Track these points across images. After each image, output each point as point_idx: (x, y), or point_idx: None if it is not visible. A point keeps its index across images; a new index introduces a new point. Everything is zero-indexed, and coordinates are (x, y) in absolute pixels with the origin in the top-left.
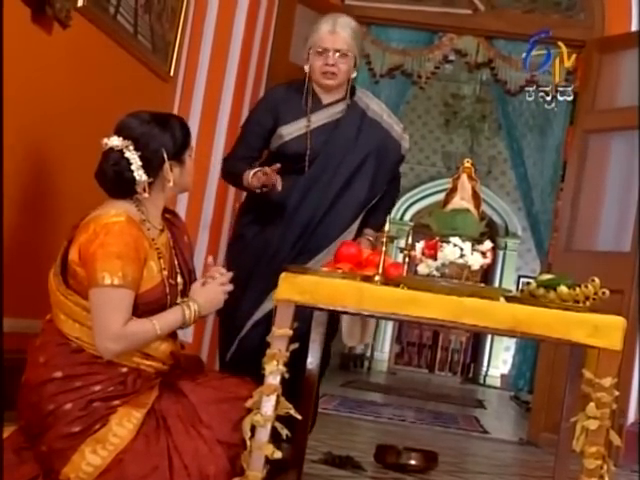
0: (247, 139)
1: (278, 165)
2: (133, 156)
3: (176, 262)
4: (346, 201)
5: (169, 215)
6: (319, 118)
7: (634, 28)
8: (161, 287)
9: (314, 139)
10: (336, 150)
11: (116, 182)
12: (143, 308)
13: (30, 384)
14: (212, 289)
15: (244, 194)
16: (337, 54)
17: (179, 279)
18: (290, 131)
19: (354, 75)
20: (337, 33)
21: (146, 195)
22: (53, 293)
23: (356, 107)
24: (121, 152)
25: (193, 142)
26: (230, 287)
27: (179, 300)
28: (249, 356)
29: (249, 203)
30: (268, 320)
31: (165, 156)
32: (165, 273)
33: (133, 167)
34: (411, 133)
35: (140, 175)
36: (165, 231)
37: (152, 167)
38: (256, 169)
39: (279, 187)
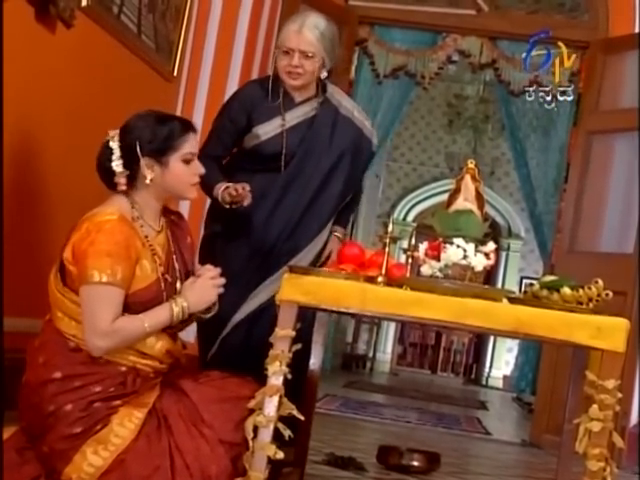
0: (220, 137)
1: (248, 187)
2: (115, 146)
3: (175, 263)
4: (324, 200)
5: (174, 216)
6: (293, 117)
7: (638, 29)
8: (156, 286)
9: (290, 139)
10: (312, 149)
11: (100, 172)
12: (138, 307)
13: (30, 385)
14: (202, 285)
15: None
16: (302, 55)
17: (177, 280)
18: (266, 130)
19: (324, 75)
20: (302, 34)
21: (123, 187)
22: (52, 292)
23: (329, 104)
24: (107, 142)
25: (195, 142)
26: (222, 281)
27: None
28: (229, 357)
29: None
30: (249, 322)
31: (138, 149)
32: (161, 269)
33: (113, 157)
34: (414, 133)
35: (117, 165)
36: (164, 231)
37: (127, 159)
38: (227, 184)
39: (247, 202)
